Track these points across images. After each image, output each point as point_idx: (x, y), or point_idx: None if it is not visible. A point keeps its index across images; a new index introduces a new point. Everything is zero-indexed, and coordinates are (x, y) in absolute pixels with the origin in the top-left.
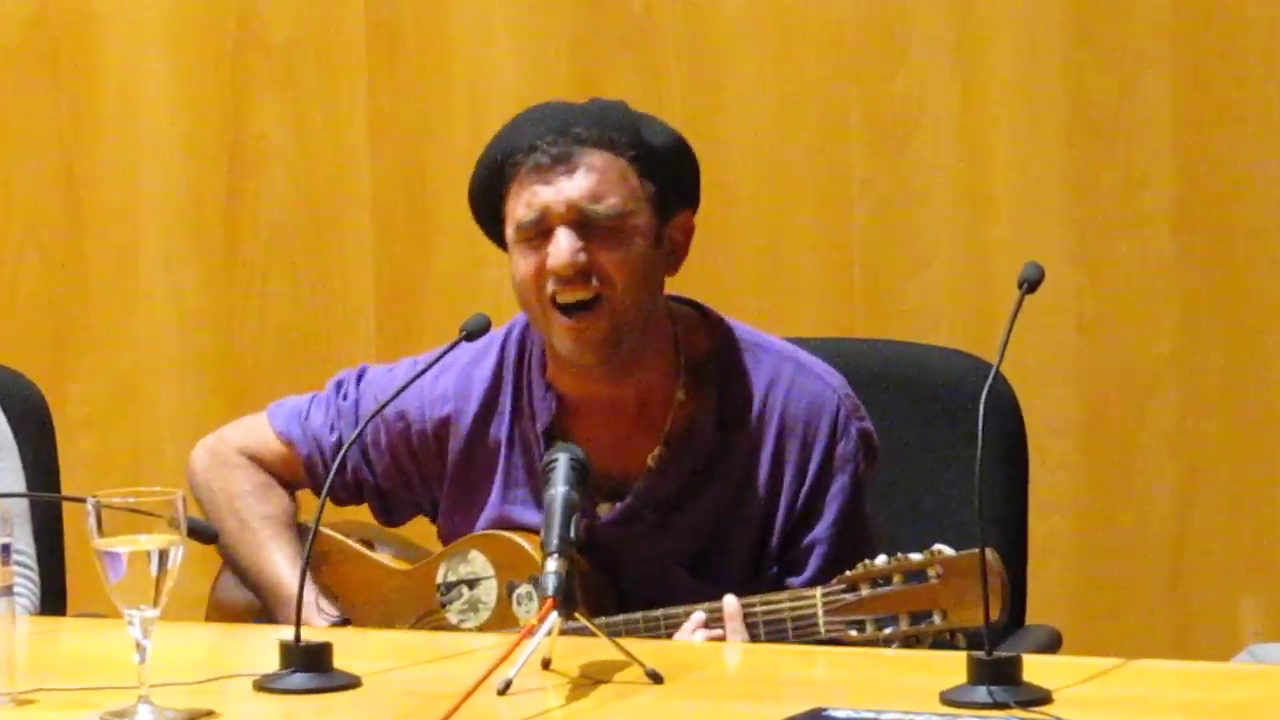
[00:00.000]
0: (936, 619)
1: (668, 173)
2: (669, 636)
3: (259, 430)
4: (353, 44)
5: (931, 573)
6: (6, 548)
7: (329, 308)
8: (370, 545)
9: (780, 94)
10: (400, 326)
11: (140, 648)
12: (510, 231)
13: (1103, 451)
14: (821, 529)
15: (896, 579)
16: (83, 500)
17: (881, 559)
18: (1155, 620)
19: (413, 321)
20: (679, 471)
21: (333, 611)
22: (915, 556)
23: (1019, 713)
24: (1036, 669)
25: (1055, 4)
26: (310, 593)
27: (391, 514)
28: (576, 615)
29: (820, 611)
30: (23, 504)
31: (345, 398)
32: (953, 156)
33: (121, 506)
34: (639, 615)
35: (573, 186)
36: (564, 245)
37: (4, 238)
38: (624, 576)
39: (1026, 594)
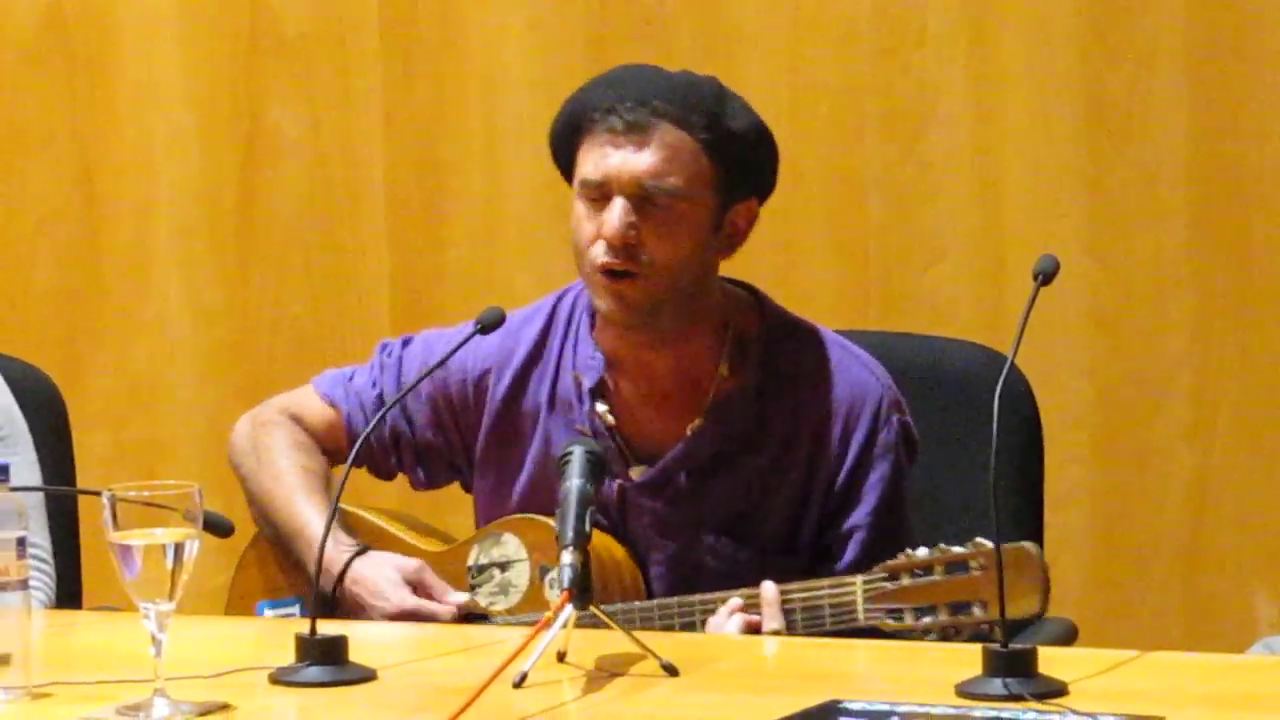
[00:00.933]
0: (977, 611)
1: (740, 158)
2: (702, 623)
3: (303, 396)
4: (366, 37)
5: (974, 564)
6: (23, 541)
7: (343, 300)
8: (396, 521)
9: (794, 88)
10: (414, 319)
11: (155, 641)
12: (576, 182)
13: (1118, 444)
14: (860, 515)
15: (938, 570)
16: (98, 494)
17: (923, 550)
18: (1170, 612)
19: (427, 314)
20: (715, 441)
21: (350, 542)
22: (958, 549)
23: (1034, 705)
24: (1052, 661)
25: None
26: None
27: (429, 473)
28: (592, 608)
29: (860, 598)
30: (38, 498)
31: (389, 355)
32: (967, 150)
33: (137, 500)
34: (674, 601)
35: (639, 160)
36: (618, 218)
37: (19, 232)
38: (655, 544)
39: None
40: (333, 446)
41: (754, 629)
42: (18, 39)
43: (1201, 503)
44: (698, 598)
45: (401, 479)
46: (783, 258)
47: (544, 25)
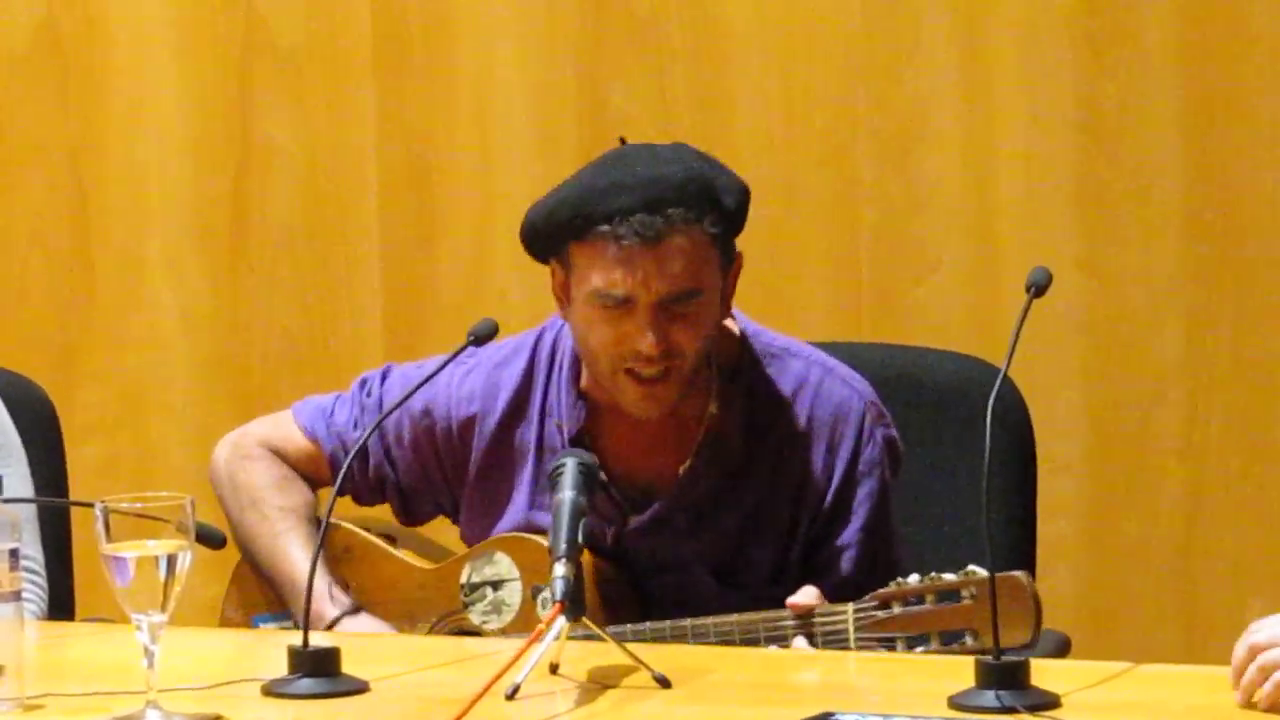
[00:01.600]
0: (969, 640)
1: (738, 228)
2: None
3: (283, 426)
4: (359, 48)
5: (965, 593)
6: (15, 553)
7: (336, 312)
8: (393, 541)
9: (787, 98)
10: (407, 330)
11: (148, 653)
12: (581, 290)
13: (1110, 456)
14: (850, 533)
15: (929, 598)
16: (91, 505)
17: (914, 578)
18: (1163, 624)
19: (419, 325)
20: (709, 479)
21: (345, 600)
22: (949, 576)
23: (1027, 717)
24: (1044, 673)
25: (1062, 9)
26: (324, 584)
27: (412, 513)
28: (584, 620)
29: (851, 627)
30: (31, 509)
31: (370, 395)
32: (960, 161)
33: (129, 511)
34: (666, 624)
35: (661, 275)
36: (653, 335)
37: (11, 243)
38: (651, 581)
39: None
40: (315, 477)
41: None
42: (11, 50)
43: (1194, 514)
44: (689, 623)
45: None
46: (775, 270)
47: (536, 38)
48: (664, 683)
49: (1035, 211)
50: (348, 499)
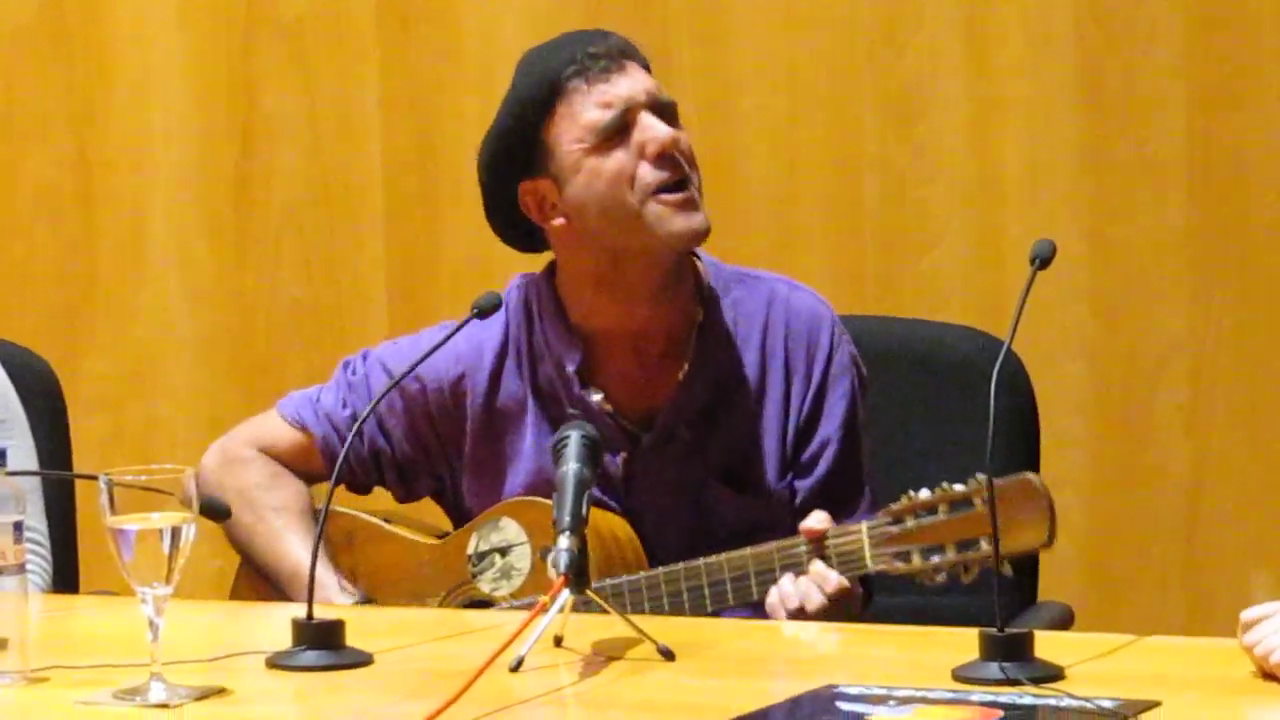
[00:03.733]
0: (984, 545)
1: None
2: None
3: (269, 423)
4: (363, 21)
5: (977, 501)
6: (19, 525)
7: (340, 285)
8: (389, 521)
9: (791, 71)
10: (411, 303)
11: (153, 625)
12: (576, 147)
13: (1114, 428)
14: (830, 428)
15: (942, 509)
16: (95, 478)
17: (925, 491)
18: (1167, 597)
19: (424, 298)
20: (705, 387)
21: (354, 591)
22: (959, 486)
23: (1031, 689)
24: (1049, 645)
25: None
26: (331, 576)
27: (410, 488)
28: (589, 592)
29: (867, 544)
30: (35, 482)
31: (354, 373)
32: (964, 134)
33: (134, 484)
34: (679, 567)
35: (641, 80)
36: (659, 124)
37: (16, 216)
38: (666, 508)
39: (1039, 571)
40: (306, 470)
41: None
42: (14, 24)
43: (1198, 486)
44: (724, 558)
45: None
46: (779, 241)
47: (540, 9)
48: (668, 655)
49: (1039, 184)
50: (343, 489)
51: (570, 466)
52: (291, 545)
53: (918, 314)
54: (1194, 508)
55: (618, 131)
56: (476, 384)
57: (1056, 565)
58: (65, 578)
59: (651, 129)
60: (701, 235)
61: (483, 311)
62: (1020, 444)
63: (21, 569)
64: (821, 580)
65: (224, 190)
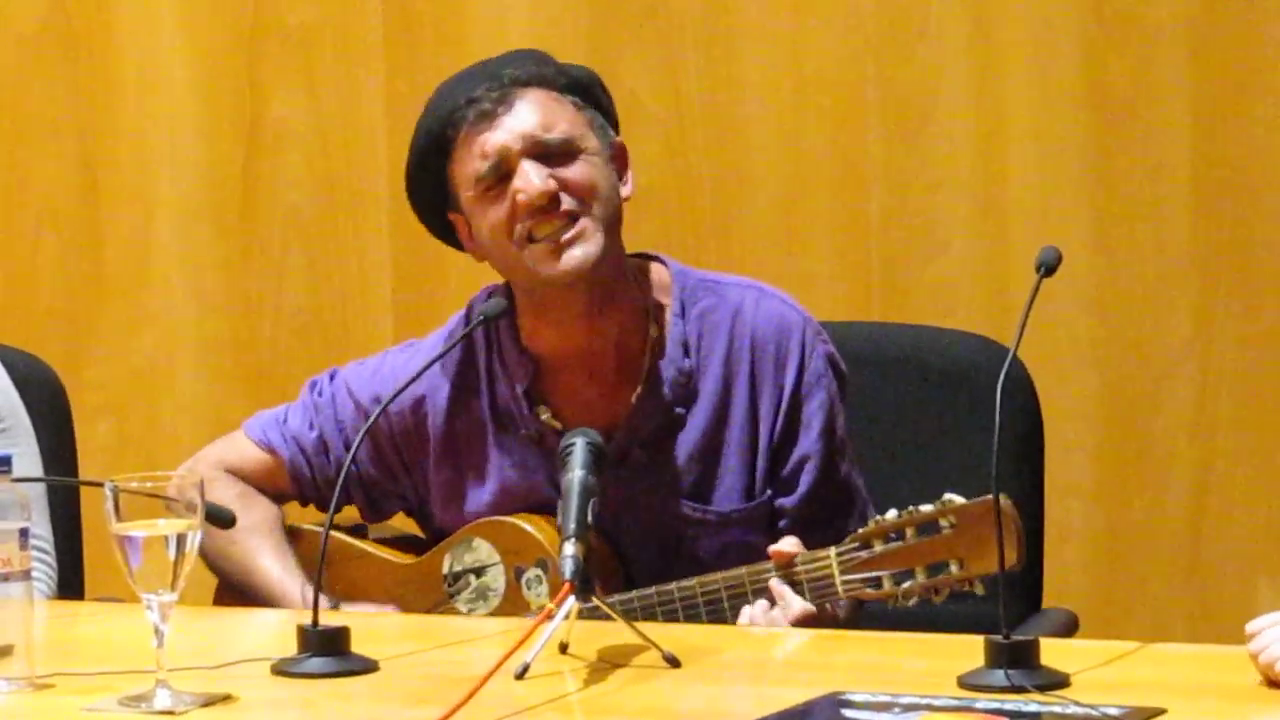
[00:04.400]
0: (954, 568)
1: (595, 100)
2: (731, 608)
3: (237, 444)
4: (370, 28)
5: (944, 523)
6: (25, 532)
7: (346, 291)
8: (362, 534)
9: (797, 78)
10: (417, 310)
11: (158, 632)
12: (468, 194)
13: (1120, 435)
14: (809, 443)
15: (909, 532)
16: (100, 484)
17: (892, 513)
18: (1173, 604)
19: (429, 305)
20: (659, 407)
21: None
22: (926, 508)
23: (1037, 696)
24: (1054, 652)
25: None
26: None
27: (378, 507)
28: (594, 599)
29: (836, 570)
30: (40, 488)
31: (320, 395)
32: (970, 140)
33: (139, 491)
34: (652, 591)
35: (520, 121)
36: (532, 176)
37: (21, 222)
38: (627, 526)
39: (1043, 577)
40: (274, 490)
41: (807, 619)
42: (20, 29)
43: (1204, 493)
44: (696, 581)
45: None
46: (784, 249)
47: (546, 14)
48: (674, 662)
49: (1045, 191)
50: (310, 508)
51: (575, 474)
52: (265, 566)
53: (924, 321)
54: (1199, 515)
55: (498, 180)
56: (437, 404)
57: (1062, 572)
58: (70, 584)
59: (523, 179)
60: (579, 272)
61: (488, 318)
62: (1026, 451)
63: (27, 575)
64: (785, 607)
65: (230, 196)
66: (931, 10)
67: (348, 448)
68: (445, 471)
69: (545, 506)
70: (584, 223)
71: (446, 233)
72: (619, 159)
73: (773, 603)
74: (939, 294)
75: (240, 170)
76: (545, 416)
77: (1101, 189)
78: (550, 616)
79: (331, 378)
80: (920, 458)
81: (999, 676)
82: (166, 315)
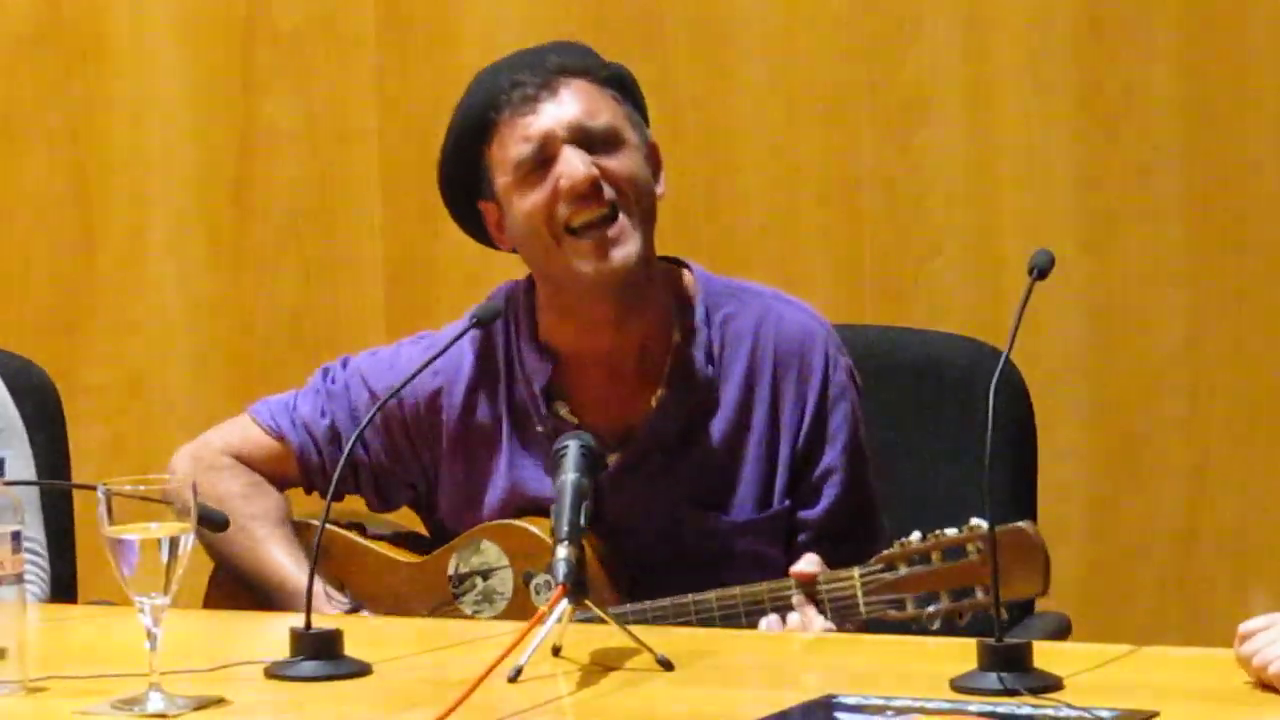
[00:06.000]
0: (979, 594)
1: (631, 95)
2: (698, 623)
3: (244, 430)
4: (362, 31)
5: (970, 549)
6: (18, 535)
7: (339, 294)
8: (363, 531)
9: (789, 81)
10: (410, 313)
11: (151, 635)
12: (504, 180)
13: (1113, 438)
14: (832, 456)
15: (935, 556)
16: (93, 488)
17: (916, 536)
18: (1165, 607)
19: (422, 307)
20: (680, 412)
21: (343, 599)
22: (951, 532)
23: (1030, 699)
24: (1047, 656)
25: None
26: (318, 584)
27: (385, 498)
28: (587, 602)
29: (860, 591)
30: (33, 492)
31: (334, 382)
32: (962, 144)
33: (132, 494)
34: (667, 602)
35: (565, 108)
36: (575, 161)
37: (14, 225)
38: (635, 528)
39: None
40: (281, 477)
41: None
42: (13, 32)
43: (1196, 496)
44: (714, 595)
45: None
46: (778, 252)
47: (540, 16)
48: (667, 665)
49: (1037, 194)
50: (315, 495)
51: (569, 476)
52: (273, 555)
53: (916, 324)
54: (1192, 519)
55: (539, 165)
56: (453, 398)
57: (1055, 575)
58: (63, 588)
59: (567, 164)
60: (620, 274)
61: (481, 321)
62: (1019, 455)
63: (19, 579)
64: (805, 624)
65: (222, 199)
66: (924, 13)
67: (358, 437)
68: (456, 465)
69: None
70: (623, 221)
71: (473, 222)
72: (653, 157)
73: (784, 617)
74: (932, 298)
75: (233, 172)
76: (563, 412)
77: (1094, 192)
78: (543, 619)
79: (344, 365)
80: (913, 461)
81: (992, 679)
82: (159, 318)
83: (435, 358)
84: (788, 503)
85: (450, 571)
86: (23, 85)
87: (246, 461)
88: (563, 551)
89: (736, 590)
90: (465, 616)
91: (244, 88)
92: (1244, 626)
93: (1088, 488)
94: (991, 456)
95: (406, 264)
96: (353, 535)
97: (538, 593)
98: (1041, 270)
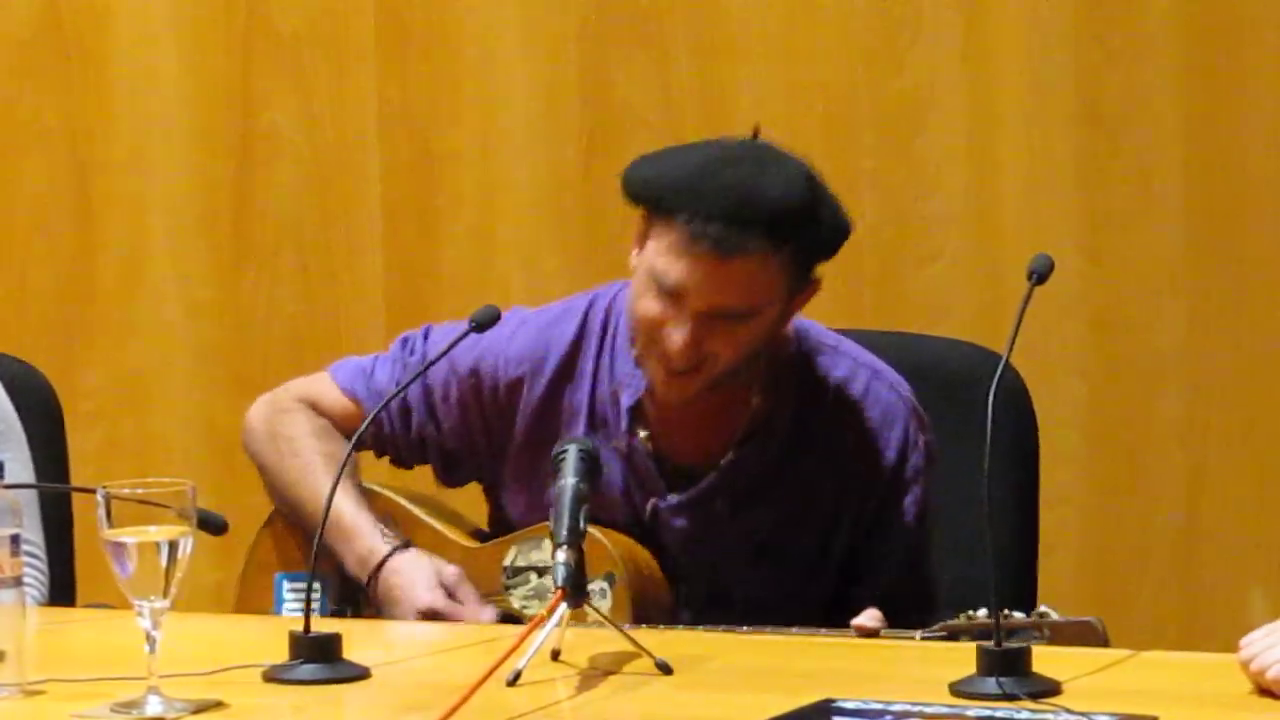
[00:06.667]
0: None
1: (822, 258)
2: None
3: (322, 385)
4: (362, 35)
5: (1037, 635)
6: (16, 539)
7: (338, 299)
8: (426, 507)
9: (789, 86)
10: (409, 317)
11: (150, 638)
12: (646, 259)
13: (1112, 443)
14: (896, 539)
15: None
16: (92, 491)
17: (983, 612)
18: (1164, 612)
19: (422, 312)
20: (751, 470)
21: (395, 536)
22: (1019, 616)
23: (1028, 704)
24: (1045, 660)
25: None
26: (371, 522)
27: (453, 474)
28: (586, 606)
29: None
30: (32, 495)
31: (413, 353)
32: (962, 148)
33: (131, 498)
34: (719, 630)
35: (717, 289)
36: (683, 342)
37: (13, 229)
38: (682, 563)
39: (1036, 585)
40: (350, 436)
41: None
42: (13, 35)
43: (1196, 501)
44: (770, 630)
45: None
46: None
47: (539, 23)
48: (665, 669)
49: (1037, 198)
50: (385, 462)
51: (568, 481)
52: (341, 495)
53: (916, 328)
54: (1191, 523)
55: (666, 292)
56: (534, 389)
57: (1053, 579)
58: (62, 591)
59: (680, 335)
60: (679, 402)
61: (480, 326)
62: (1018, 458)
63: (18, 582)
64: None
65: (222, 204)
66: (924, 18)
67: (432, 410)
68: (525, 456)
69: (611, 524)
70: (705, 373)
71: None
72: (805, 297)
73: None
74: (932, 301)
75: (232, 178)
76: (642, 436)
77: (1093, 196)
78: (542, 623)
79: (425, 336)
80: None
81: (991, 684)
82: (159, 322)
83: (427, 368)
84: (840, 577)
85: (506, 562)
86: (22, 88)
87: (320, 413)
88: (561, 555)
89: (794, 631)
90: (513, 609)
91: (244, 93)
92: (1244, 640)
93: (1087, 492)
94: (991, 460)
95: (406, 270)
96: (415, 510)
97: (589, 598)
98: (1041, 275)
